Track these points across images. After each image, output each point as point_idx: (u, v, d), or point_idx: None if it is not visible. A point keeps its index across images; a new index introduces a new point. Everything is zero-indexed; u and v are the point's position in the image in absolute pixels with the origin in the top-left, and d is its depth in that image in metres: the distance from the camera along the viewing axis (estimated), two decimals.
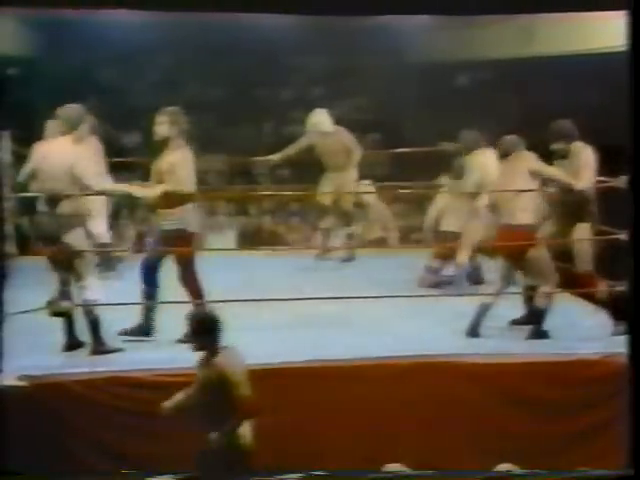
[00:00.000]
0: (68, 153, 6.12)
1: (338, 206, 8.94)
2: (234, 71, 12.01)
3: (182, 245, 6.42)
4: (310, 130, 8.79)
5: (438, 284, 7.79)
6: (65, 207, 6.12)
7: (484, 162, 7.53)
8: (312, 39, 10.70)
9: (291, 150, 8.94)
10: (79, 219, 6.20)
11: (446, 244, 7.75)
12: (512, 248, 6.57)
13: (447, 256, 7.84)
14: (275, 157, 9.00)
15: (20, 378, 5.73)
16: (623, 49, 4.83)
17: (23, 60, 10.77)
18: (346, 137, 8.80)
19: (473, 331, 6.63)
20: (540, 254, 6.61)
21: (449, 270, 7.91)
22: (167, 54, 11.95)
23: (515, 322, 6.88)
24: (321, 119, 8.75)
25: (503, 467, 5.07)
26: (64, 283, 6.27)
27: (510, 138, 6.68)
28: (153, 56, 11.85)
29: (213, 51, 11.43)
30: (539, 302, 6.70)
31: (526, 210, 6.54)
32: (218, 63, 11.77)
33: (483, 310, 6.64)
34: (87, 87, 11.00)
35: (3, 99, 5.94)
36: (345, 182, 8.72)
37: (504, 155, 6.69)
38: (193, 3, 5.88)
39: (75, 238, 6.16)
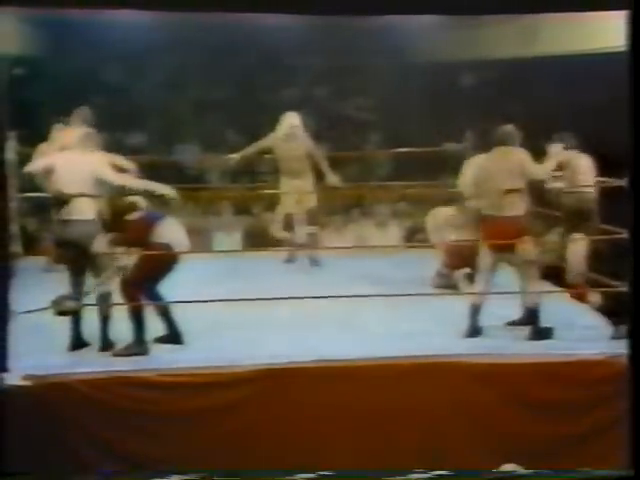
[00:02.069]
0: (87, 162, 6.28)
1: (303, 210, 8.79)
2: (237, 71, 12.01)
3: None
4: (279, 133, 8.66)
5: (448, 286, 7.78)
6: (88, 214, 6.22)
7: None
8: (316, 39, 10.70)
9: (250, 150, 8.84)
10: (101, 225, 6.30)
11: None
12: (503, 238, 6.48)
13: (458, 267, 7.80)
14: (236, 156, 8.91)
15: (25, 378, 5.74)
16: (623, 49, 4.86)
17: (27, 60, 10.79)
18: (308, 143, 8.68)
19: (471, 332, 6.63)
20: (529, 249, 6.55)
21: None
22: (170, 54, 11.94)
23: (511, 323, 6.82)
24: (295, 122, 8.65)
25: (507, 467, 5.08)
26: (76, 285, 6.32)
27: (507, 128, 6.61)
28: (157, 56, 11.84)
29: (215, 51, 11.44)
30: (529, 302, 6.68)
31: (515, 202, 6.48)
32: (220, 63, 11.77)
33: (474, 310, 6.64)
34: (91, 87, 11.02)
35: (8, 99, 5.97)
36: (304, 188, 8.61)
37: (497, 144, 6.59)
38: (196, 3, 5.89)
39: (100, 245, 6.25)
